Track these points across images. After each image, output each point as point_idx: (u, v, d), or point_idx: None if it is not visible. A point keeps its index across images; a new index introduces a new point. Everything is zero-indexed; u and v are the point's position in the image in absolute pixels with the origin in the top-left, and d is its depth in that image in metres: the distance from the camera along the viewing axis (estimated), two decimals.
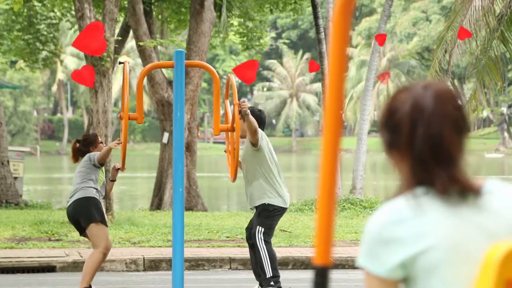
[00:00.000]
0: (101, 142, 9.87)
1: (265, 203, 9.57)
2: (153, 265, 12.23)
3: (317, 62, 14.32)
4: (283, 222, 15.66)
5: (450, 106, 2.22)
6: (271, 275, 9.49)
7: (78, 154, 9.76)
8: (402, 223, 2.18)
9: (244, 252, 12.58)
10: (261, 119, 9.75)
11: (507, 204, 2.23)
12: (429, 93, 2.22)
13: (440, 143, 2.19)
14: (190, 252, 12.64)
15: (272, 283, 9.51)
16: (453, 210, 2.20)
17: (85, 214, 9.42)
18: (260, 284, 9.64)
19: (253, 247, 9.66)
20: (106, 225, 9.60)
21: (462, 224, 2.19)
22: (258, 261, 9.53)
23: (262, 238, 9.51)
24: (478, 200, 2.21)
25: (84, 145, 9.74)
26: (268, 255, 9.51)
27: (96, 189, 9.57)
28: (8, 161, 20.19)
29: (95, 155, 9.63)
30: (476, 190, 2.21)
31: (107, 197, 10.35)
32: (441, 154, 2.19)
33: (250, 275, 10.32)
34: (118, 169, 9.73)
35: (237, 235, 14.47)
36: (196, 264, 12.33)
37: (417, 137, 2.20)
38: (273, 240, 11.67)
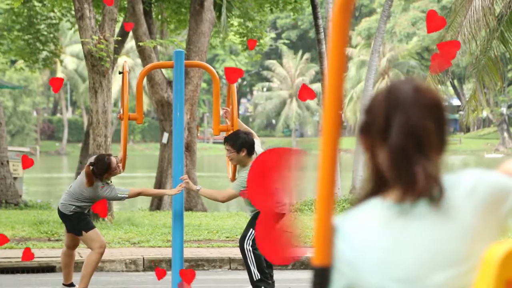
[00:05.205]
0: (116, 167, 9.37)
1: None
2: (153, 265, 12.23)
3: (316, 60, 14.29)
4: None
5: (429, 98, 2.16)
6: (259, 278, 9.45)
7: (92, 178, 9.36)
8: (343, 242, 2.15)
9: None
10: (248, 143, 9.33)
11: (457, 205, 2.12)
12: (403, 86, 2.17)
13: (422, 132, 2.12)
14: (190, 252, 12.64)
15: (263, 287, 9.48)
16: (398, 222, 2.12)
17: (72, 228, 9.63)
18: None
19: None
20: (94, 226, 9.67)
21: (403, 240, 2.12)
22: (245, 264, 9.51)
23: (251, 243, 9.40)
24: (421, 209, 2.12)
25: (97, 168, 9.36)
26: (254, 258, 9.44)
27: (79, 206, 9.54)
28: (7, 161, 20.19)
29: (111, 195, 9.34)
30: (416, 198, 2.12)
31: None
32: (422, 143, 2.12)
33: None
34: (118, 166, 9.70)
35: (236, 235, 14.46)
36: (196, 264, 12.33)
37: (394, 125, 2.13)
38: None
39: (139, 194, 9.45)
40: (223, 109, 9.54)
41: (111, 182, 9.52)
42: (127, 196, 9.30)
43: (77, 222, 9.50)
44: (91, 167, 9.34)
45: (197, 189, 8.70)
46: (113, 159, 9.43)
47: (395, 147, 2.13)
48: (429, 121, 2.13)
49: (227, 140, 9.39)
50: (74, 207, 9.45)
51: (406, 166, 2.12)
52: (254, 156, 9.35)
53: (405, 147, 2.12)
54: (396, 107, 2.15)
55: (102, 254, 9.64)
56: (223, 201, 9.34)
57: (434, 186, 2.11)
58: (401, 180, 2.13)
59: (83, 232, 9.52)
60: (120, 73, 9.28)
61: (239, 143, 9.29)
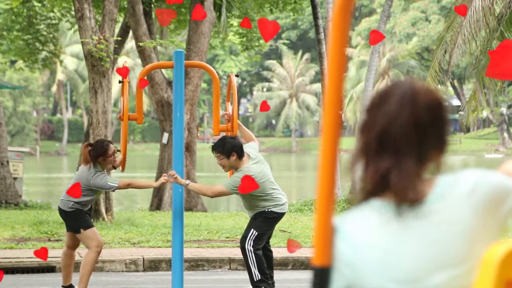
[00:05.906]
0: (112, 155, 9.52)
1: (265, 210, 9.49)
2: (153, 265, 12.23)
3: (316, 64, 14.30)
4: (282, 222, 15.65)
5: (417, 103, 2.13)
6: (259, 278, 9.47)
7: (88, 158, 9.50)
8: (343, 242, 2.15)
9: None
10: (236, 146, 9.27)
11: (457, 206, 2.11)
12: (403, 86, 2.16)
13: (388, 132, 2.12)
14: (190, 252, 12.64)
15: (263, 287, 9.51)
16: (398, 223, 2.12)
17: (70, 225, 9.74)
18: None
19: (242, 249, 9.58)
20: (93, 225, 9.73)
21: (394, 243, 2.11)
22: (246, 265, 9.52)
23: (252, 244, 9.41)
24: (420, 209, 2.11)
25: (93, 150, 9.52)
26: (255, 258, 9.45)
27: (77, 202, 9.57)
28: (7, 162, 20.19)
29: (101, 183, 9.39)
30: (413, 200, 2.10)
31: None
32: (386, 142, 2.11)
33: None
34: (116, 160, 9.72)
35: (236, 235, 14.46)
36: (196, 264, 12.33)
37: (372, 123, 2.14)
38: (273, 240, 11.66)
39: (128, 185, 9.48)
40: (224, 114, 9.51)
41: (104, 172, 9.59)
42: (117, 185, 9.36)
43: (76, 219, 9.56)
44: (89, 148, 9.55)
45: (186, 183, 8.68)
46: (112, 147, 9.60)
47: (365, 141, 2.14)
48: (405, 122, 2.12)
49: (215, 148, 9.36)
50: (72, 203, 9.52)
51: (369, 158, 2.13)
52: (245, 158, 9.32)
53: (371, 142, 2.13)
54: (380, 105, 2.15)
55: (99, 253, 9.71)
56: (211, 196, 9.33)
57: (407, 188, 2.10)
58: (368, 178, 2.13)
59: (81, 230, 9.58)
60: (120, 82, 9.29)
61: (227, 148, 9.26)
